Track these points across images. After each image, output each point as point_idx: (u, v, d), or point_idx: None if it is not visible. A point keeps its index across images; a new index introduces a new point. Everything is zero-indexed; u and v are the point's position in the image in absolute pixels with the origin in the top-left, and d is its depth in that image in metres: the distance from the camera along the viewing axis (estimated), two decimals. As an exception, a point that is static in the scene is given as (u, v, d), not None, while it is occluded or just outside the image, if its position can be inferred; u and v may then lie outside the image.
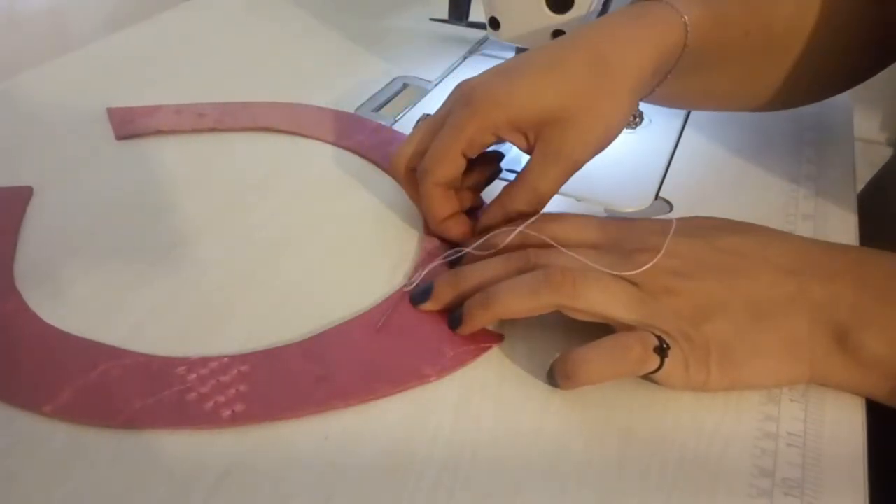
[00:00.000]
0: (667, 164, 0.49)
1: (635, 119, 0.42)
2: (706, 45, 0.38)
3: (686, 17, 0.37)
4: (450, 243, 0.39)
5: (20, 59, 0.60)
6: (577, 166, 0.36)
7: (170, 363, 0.32)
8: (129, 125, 0.49)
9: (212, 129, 0.49)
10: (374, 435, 0.30)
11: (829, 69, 0.44)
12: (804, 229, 0.42)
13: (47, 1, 0.68)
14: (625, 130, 0.42)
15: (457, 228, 0.38)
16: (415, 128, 0.40)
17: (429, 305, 0.35)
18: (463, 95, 0.36)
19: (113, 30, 0.64)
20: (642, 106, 0.51)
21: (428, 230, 0.40)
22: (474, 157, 0.38)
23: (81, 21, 0.72)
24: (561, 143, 0.35)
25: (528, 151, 0.37)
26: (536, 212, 0.37)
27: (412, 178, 0.39)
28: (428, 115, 0.39)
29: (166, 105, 0.51)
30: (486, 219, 0.38)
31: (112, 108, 0.51)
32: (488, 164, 0.41)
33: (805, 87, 0.44)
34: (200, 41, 0.63)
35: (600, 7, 0.49)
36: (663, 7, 0.38)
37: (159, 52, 0.61)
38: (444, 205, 0.38)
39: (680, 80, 0.40)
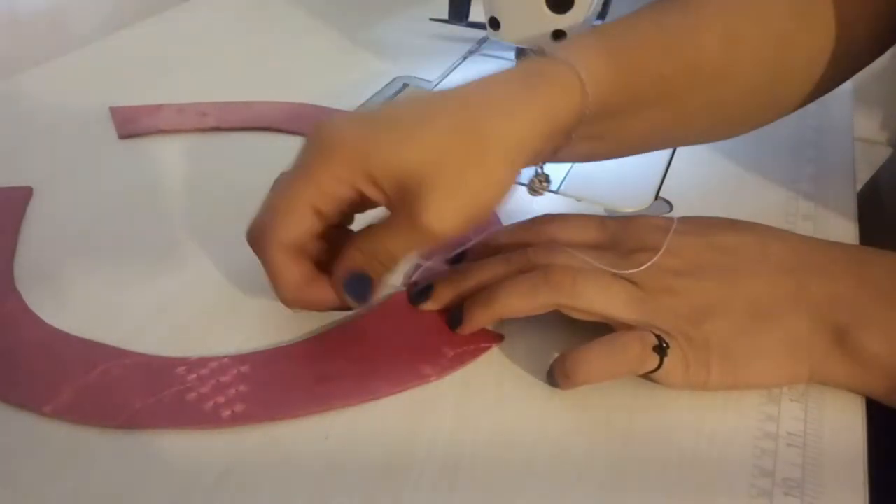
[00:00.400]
0: (667, 164, 0.49)
1: (542, 183, 0.36)
2: (613, 99, 0.33)
3: (583, 75, 0.32)
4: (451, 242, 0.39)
5: (21, 59, 0.60)
6: (435, 240, 0.30)
7: (170, 363, 0.32)
8: (131, 124, 0.49)
9: (214, 129, 0.49)
10: (374, 435, 0.30)
11: (770, 97, 0.39)
12: (804, 229, 0.42)
13: (48, 0, 0.68)
14: (532, 195, 0.36)
15: (318, 297, 0.32)
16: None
17: (429, 305, 0.35)
18: (316, 138, 0.30)
19: (114, 29, 0.64)
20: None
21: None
22: (330, 218, 0.31)
23: (82, 20, 0.72)
24: (418, 209, 0.29)
25: (389, 207, 0.31)
26: (387, 268, 0.32)
27: None
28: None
29: (168, 104, 0.51)
30: (347, 263, 0.32)
31: (115, 108, 0.51)
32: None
33: (739, 118, 0.40)
34: (201, 41, 0.63)
35: (600, 7, 0.49)
36: (557, 66, 0.32)
37: (160, 52, 0.61)
38: (293, 271, 0.31)
39: (587, 138, 0.35)
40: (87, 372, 0.31)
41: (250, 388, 0.31)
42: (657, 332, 0.31)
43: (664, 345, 0.31)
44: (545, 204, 0.44)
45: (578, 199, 0.45)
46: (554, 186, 0.46)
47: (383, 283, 0.32)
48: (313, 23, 0.67)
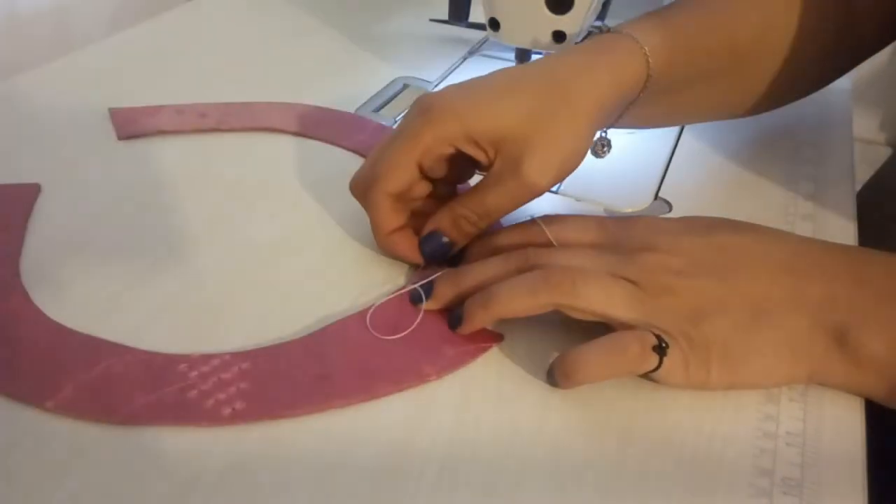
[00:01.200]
0: (666, 164, 0.49)
1: (603, 148, 0.41)
2: (669, 70, 0.39)
3: (647, 48, 0.37)
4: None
5: (23, 59, 0.60)
6: (533, 192, 0.35)
7: (171, 360, 0.32)
8: (131, 125, 0.49)
9: (213, 130, 0.49)
10: (374, 434, 0.30)
11: (796, 76, 0.44)
12: (803, 229, 0.42)
13: (50, 0, 0.68)
14: (595, 157, 0.42)
15: (403, 245, 0.37)
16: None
17: (429, 304, 0.35)
18: (420, 106, 0.35)
19: (115, 29, 0.64)
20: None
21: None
22: (430, 171, 0.36)
23: (84, 21, 0.72)
24: (518, 162, 0.34)
25: (488, 167, 0.35)
26: (479, 228, 0.36)
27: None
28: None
29: (168, 105, 0.51)
30: (432, 223, 0.37)
31: (114, 109, 0.51)
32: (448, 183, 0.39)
33: (773, 94, 0.45)
34: (201, 41, 0.63)
35: (600, 8, 0.49)
36: (623, 38, 0.38)
37: (161, 52, 0.61)
38: (392, 217, 0.36)
39: (646, 105, 0.40)
40: (89, 368, 0.31)
41: (251, 385, 0.31)
42: (657, 332, 0.31)
43: (664, 345, 0.31)
44: (545, 204, 0.44)
45: (578, 200, 0.45)
46: (554, 186, 0.46)
47: (460, 246, 0.37)
48: (313, 23, 0.67)
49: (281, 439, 0.29)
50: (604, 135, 0.41)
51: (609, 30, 0.39)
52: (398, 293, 0.36)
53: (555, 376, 0.32)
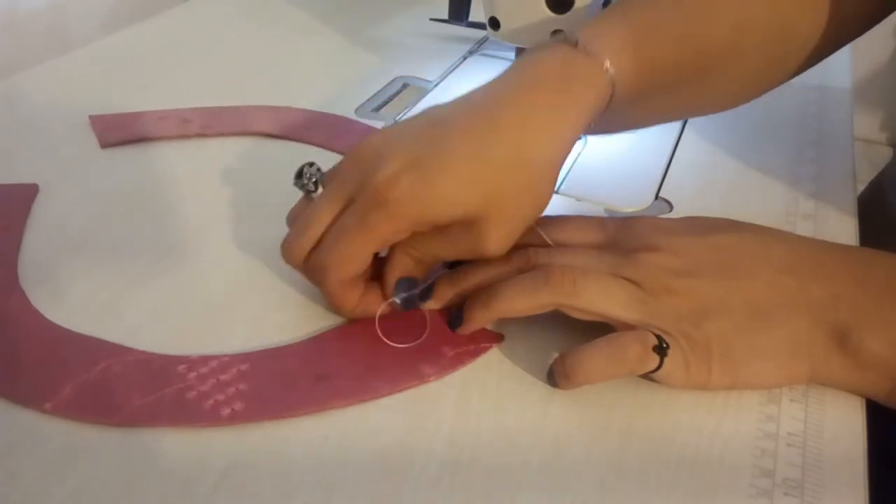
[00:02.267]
0: (667, 163, 0.49)
1: None
2: (634, 87, 0.36)
3: (612, 71, 0.35)
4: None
5: (20, 59, 0.60)
6: (486, 257, 0.33)
7: (170, 361, 0.32)
8: (113, 133, 0.48)
9: (199, 135, 0.49)
10: (374, 434, 0.30)
11: (777, 66, 0.42)
12: (804, 229, 0.42)
13: (47, 1, 0.68)
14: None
15: (372, 306, 0.34)
16: (303, 206, 0.35)
17: (430, 304, 0.35)
18: (376, 198, 0.31)
19: (113, 30, 0.64)
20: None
21: None
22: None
23: (81, 21, 0.72)
24: (481, 240, 0.32)
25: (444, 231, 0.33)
26: (431, 267, 0.35)
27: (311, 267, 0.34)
28: (312, 167, 0.35)
29: (150, 111, 0.51)
30: (395, 271, 0.34)
31: (94, 116, 0.50)
32: None
33: (752, 87, 0.43)
34: (200, 42, 0.63)
35: (599, 7, 0.49)
36: (587, 65, 0.35)
37: (159, 53, 0.61)
38: (351, 295, 0.34)
39: (608, 118, 0.37)
40: (87, 369, 0.31)
41: (250, 386, 0.31)
42: (657, 332, 0.31)
43: (664, 345, 0.30)
44: (545, 204, 0.44)
45: (578, 200, 0.45)
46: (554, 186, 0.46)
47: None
48: (313, 23, 0.67)
49: (280, 440, 0.29)
50: None
51: (569, 41, 0.35)
52: (398, 294, 0.36)
53: (555, 376, 0.32)
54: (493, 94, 0.34)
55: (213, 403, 0.30)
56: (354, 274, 0.33)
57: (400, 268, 0.34)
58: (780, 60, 0.42)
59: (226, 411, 0.30)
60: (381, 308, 0.34)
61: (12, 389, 0.30)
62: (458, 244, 0.33)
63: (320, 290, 0.34)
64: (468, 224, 0.32)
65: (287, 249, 0.34)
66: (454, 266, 0.37)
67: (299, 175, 0.35)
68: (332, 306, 0.34)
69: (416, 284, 0.35)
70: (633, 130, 0.44)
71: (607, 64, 0.35)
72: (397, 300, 0.34)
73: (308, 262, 0.33)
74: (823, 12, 0.40)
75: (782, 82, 0.44)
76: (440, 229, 0.33)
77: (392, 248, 0.34)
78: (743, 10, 0.39)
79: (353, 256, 0.32)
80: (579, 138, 0.37)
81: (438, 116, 0.34)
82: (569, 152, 0.34)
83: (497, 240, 0.32)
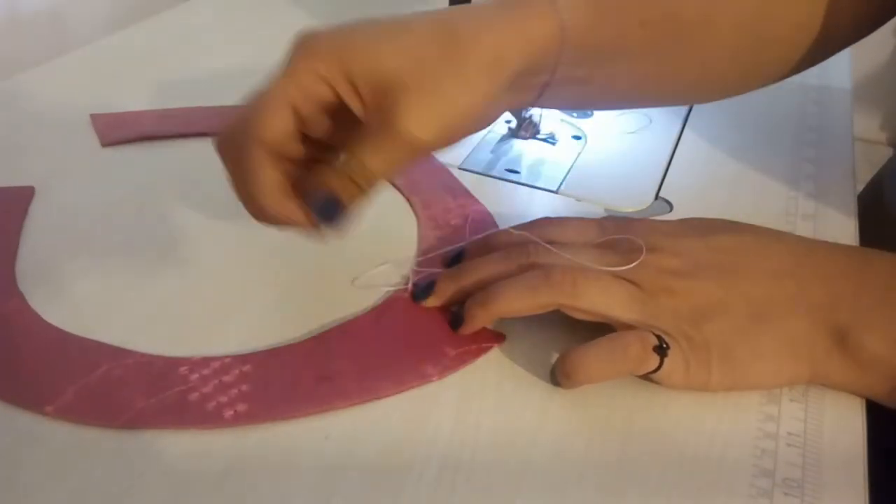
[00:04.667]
0: (667, 164, 0.49)
1: (529, 129, 0.37)
2: (592, 37, 0.33)
3: (564, 14, 0.32)
4: (448, 243, 0.39)
5: (21, 59, 0.60)
6: (415, 150, 0.30)
7: (172, 363, 0.32)
8: (114, 132, 0.48)
9: (200, 134, 0.49)
10: (375, 434, 0.30)
11: (754, 61, 0.40)
12: (804, 229, 0.42)
13: (48, 1, 0.68)
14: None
15: (292, 206, 0.31)
16: None
17: (430, 301, 0.35)
18: (296, 42, 0.31)
19: (113, 29, 0.64)
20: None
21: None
22: (308, 122, 0.31)
23: (82, 20, 0.72)
24: (397, 115, 0.29)
25: (365, 117, 0.31)
26: (364, 191, 0.31)
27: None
28: None
29: (150, 110, 0.51)
30: (316, 182, 0.31)
31: (95, 115, 0.50)
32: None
33: (725, 80, 0.40)
34: (201, 41, 0.63)
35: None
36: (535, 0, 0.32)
37: (160, 52, 0.61)
38: (274, 172, 0.30)
39: (573, 81, 0.35)
40: (88, 372, 0.31)
41: (252, 387, 0.31)
42: (658, 333, 0.31)
43: (664, 345, 0.31)
44: (545, 204, 0.44)
45: (578, 200, 0.45)
46: (554, 186, 0.46)
47: (357, 210, 0.31)
48: (313, 23, 0.67)
49: (281, 440, 0.29)
50: (527, 115, 0.37)
51: None
52: (398, 293, 0.36)
53: (556, 376, 0.32)
54: (442, 8, 0.33)
55: (216, 405, 0.30)
56: (276, 132, 0.30)
57: (320, 178, 0.31)
58: (766, 46, 0.39)
59: (228, 413, 0.30)
60: (377, 304, 0.34)
61: (13, 393, 0.30)
62: (379, 135, 0.30)
63: (243, 176, 0.31)
64: (387, 100, 0.29)
65: (217, 139, 0.32)
66: (454, 266, 0.37)
67: None
68: (251, 186, 0.31)
69: (338, 206, 0.31)
70: (612, 106, 0.41)
71: (559, 5, 0.32)
72: (316, 217, 0.31)
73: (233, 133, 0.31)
74: (811, 7, 0.38)
75: (775, 77, 0.42)
76: (363, 132, 0.30)
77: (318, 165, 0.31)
78: None
79: (271, 105, 0.30)
80: (540, 88, 0.34)
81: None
82: (512, 62, 0.31)
83: (416, 116, 0.29)
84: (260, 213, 0.32)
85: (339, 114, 0.31)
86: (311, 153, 0.32)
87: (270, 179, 0.30)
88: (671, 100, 0.43)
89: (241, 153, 0.30)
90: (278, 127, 0.30)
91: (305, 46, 0.30)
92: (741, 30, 0.37)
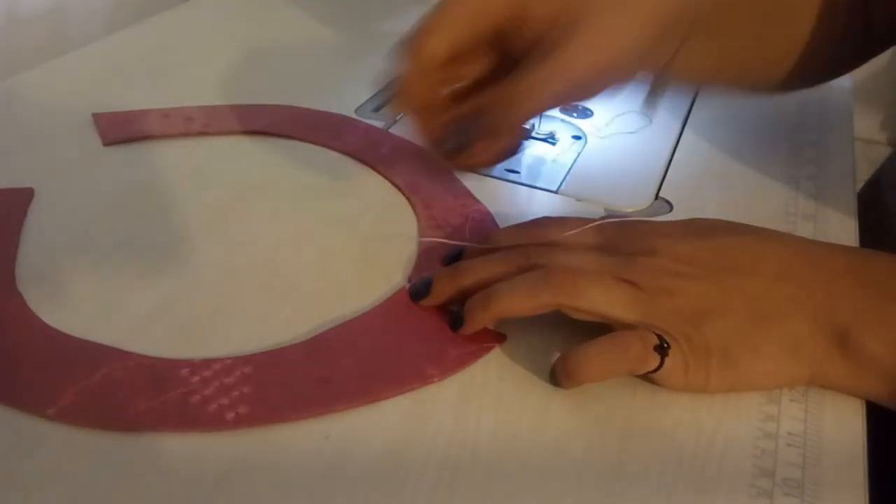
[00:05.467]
0: (667, 164, 0.49)
1: (652, 107, 0.41)
2: (718, 6, 0.37)
3: None
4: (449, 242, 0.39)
5: (21, 59, 0.60)
6: (571, 79, 0.33)
7: (173, 365, 0.32)
8: (116, 130, 0.48)
9: (201, 133, 0.49)
10: (375, 435, 0.30)
11: (831, 46, 0.42)
12: (804, 229, 0.42)
13: (48, 1, 0.68)
14: (635, 122, 0.41)
15: (431, 125, 0.34)
16: None
17: (428, 301, 0.35)
18: None
19: (114, 30, 0.64)
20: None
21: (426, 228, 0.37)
22: (480, 38, 0.34)
23: (82, 21, 0.72)
24: (565, 42, 0.32)
25: (531, 47, 0.33)
26: (517, 121, 0.34)
27: None
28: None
29: (154, 109, 0.51)
30: (457, 113, 0.34)
31: (98, 114, 0.50)
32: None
33: (809, 61, 0.43)
34: (201, 41, 0.63)
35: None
36: None
37: (160, 52, 0.61)
38: (424, 89, 0.34)
39: (694, 51, 0.38)
40: (89, 374, 0.31)
41: (254, 389, 0.31)
42: (658, 333, 0.31)
43: (665, 345, 0.31)
44: (544, 204, 0.44)
45: (578, 200, 0.45)
46: (554, 186, 0.46)
47: (494, 141, 0.35)
48: (313, 23, 0.67)
49: (281, 441, 0.29)
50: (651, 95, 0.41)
51: None
52: (398, 293, 0.36)
53: (556, 375, 0.32)
54: None
55: (217, 407, 0.30)
56: (442, 49, 0.33)
57: (477, 100, 0.34)
58: (820, 47, 0.42)
59: (230, 415, 0.30)
60: (377, 304, 0.34)
61: (13, 395, 0.30)
62: (544, 55, 0.32)
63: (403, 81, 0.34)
64: (556, 31, 0.32)
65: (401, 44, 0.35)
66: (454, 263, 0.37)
67: None
68: (402, 93, 0.34)
69: (483, 124, 0.34)
70: (722, 84, 0.45)
71: None
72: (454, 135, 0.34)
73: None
74: (854, 14, 0.41)
75: (812, 78, 0.45)
76: (530, 55, 0.33)
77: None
78: None
79: (441, 22, 0.33)
80: (671, 51, 0.37)
81: None
82: (667, 17, 0.34)
83: (582, 46, 0.32)
84: (412, 111, 0.35)
85: (506, 39, 0.34)
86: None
87: (422, 93, 0.34)
88: (765, 80, 0.45)
89: (406, 56, 0.34)
90: (454, 34, 0.33)
91: None
92: (821, 13, 0.40)
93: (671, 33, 0.36)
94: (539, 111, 0.34)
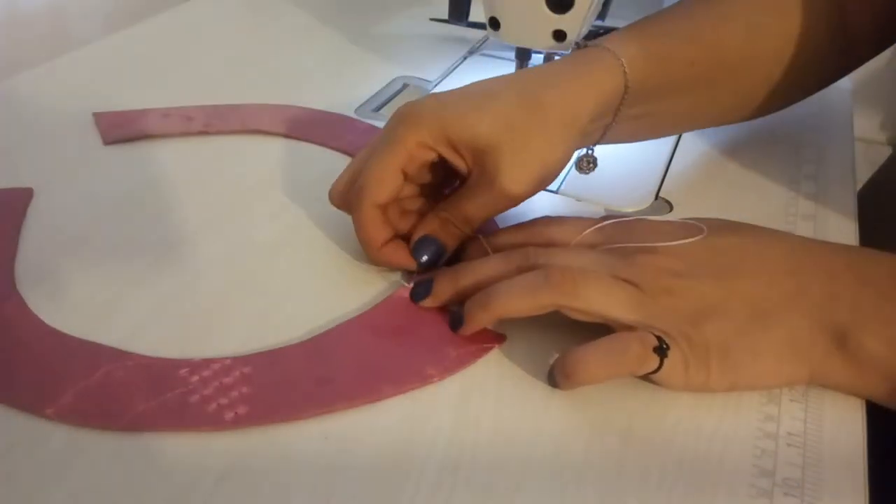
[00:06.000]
0: (667, 164, 0.49)
1: (589, 165, 0.41)
2: (649, 81, 0.38)
3: (623, 59, 0.37)
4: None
5: (21, 59, 0.60)
6: (511, 202, 0.36)
7: (172, 365, 0.32)
8: (116, 130, 0.48)
9: (201, 133, 0.49)
10: (374, 435, 0.30)
11: (789, 82, 0.43)
12: (804, 229, 0.42)
13: (48, 1, 0.68)
14: (579, 174, 0.42)
15: (396, 255, 0.37)
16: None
17: (428, 301, 0.35)
18: (400, 115, 0.36)
19: (113, 29, 0.64)
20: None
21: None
22: (414, 179, 0.37)
23: (82, 21, 0.72)
24: (495, 173, 0.34)
25: (466, 175, 0.36)
26: (464, 233, 0.37)
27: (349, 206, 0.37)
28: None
29: (154, 108, 0.51)
30: (422, 228, 0.37)
31: (98, 113, 0.50)
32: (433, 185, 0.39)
33: (766, 101, 0.44)
34: (201, 41, 0.63)
35: (600, 7, 0.49)
36: (600, 51, 0.38)
37: (160, 52, 0.61)
38: (382, 229, 0.36)
39: (630, 119, 0.40)
40: (88, 374, 0.31)
41: (253, 389, 0.31)
42: (657, 334, 0.31)
43: (664, 346, 0.31)
44: (545, 204, 0.44)
45: (578, 200, 0.45)
46: (554, 186, 0.46)
47: (451, 249, 0.37)
48: (313, 23, 0.67)
49: (280, 441, 0.29)
50: (589, 152, 0.42)
51: (586, 45, 0.39)
52: (398, 293, 0.36)
53: (555, 377, 0.32)
54: (515, 72, 0.39)
55: (217, 407, 0.30)
56: (387, 194, 0.35)
57: (427, 226, 0.37)
58: (797, 70, 0.42)
59: (229, 415, 0.30)
60: (375, 304, 0.34)
61: (12, 395, 0.30)
62: (479, 190, 0.35)
63: (355, 226, 0.36)
64: (486, 160, 0.34)
65: (332, 189, 0.38)
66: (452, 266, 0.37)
67: None
68: (362, 238, 0.36)
69: (440, 247, 0.37)
70: (666, 135, 0.46)
71: (616, 52, 0.38)
72: (417, 258, 0.36)
73: (348, 193, 0.37)
74: (838, 30, 0.42)
75: (805, 95, 0.46)
76: (465, 186, 0.36)
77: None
78: (752, 17, 0.41)
79: (383, 172, 0.35)
80: (602, 120, 0.39)
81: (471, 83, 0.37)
82: (585, 119, 0.36)
83: (513, 178, 0.34)
84: (372, 257, 0.37)
85: (440, 166, 0.36)
86: (420, 192, 0.38)
87: (378, 237, 0.36)
88: (706, 125, 0.47)
89: (355, 213, 0.36)
90: (389, 189, 0.35)
91: (409, 119, 0.35)
92: (778, 59, 0.42)
93: (594, 126, 0.39)
94: (479, 223, 0.37)
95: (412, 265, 0.37)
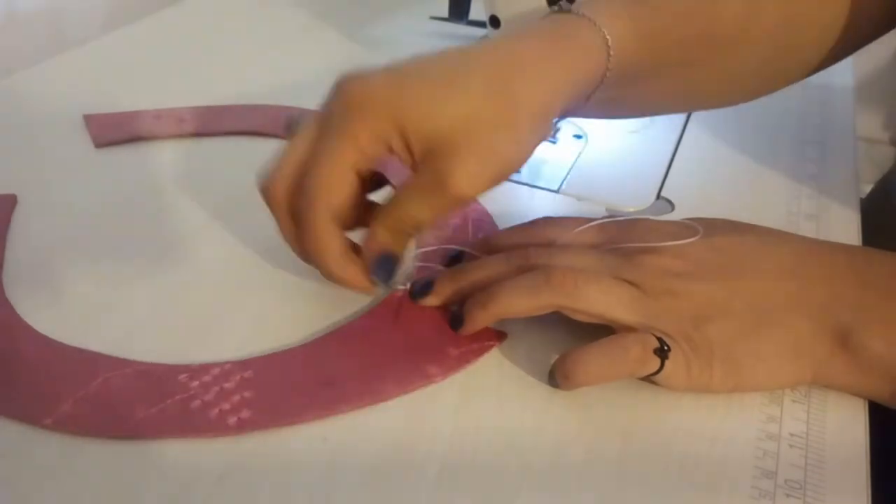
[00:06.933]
0: (668, 163, 0.48)
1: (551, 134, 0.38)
2: (635, 61, 0.34)
3: (609, 37, 0.33)
4: (448, 243, 0.39)
5: (18, 59, 0.60)
6: (461, 203, 0.31)
7: (171, 370, 0.31)
8: (107, 132, 0.48)
9: (194, 134, 0.49)
10: (374, 435, 0.30)
11: (788, 62, 0.41)
12: (806, 229, 0.42)
13: (46, 1, 0.68)
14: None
15: (354, 271, 0.33)
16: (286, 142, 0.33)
17: (429, 300, 0.35)
18: (346, 96, 0.30)
19: (110, 29, 0.63)
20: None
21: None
22: (365, 175, 0.32)
23: (79, 21, 0.72)
24: (447, 174, 0.30)
25: (412, 168, 0.32)
26: (412, 236, 0.33)
27: (293, 208, 0.32)
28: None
29: (146, 110, 0.51)
30: (374, 244, 0.32)
31: (89, 115, 0.50)
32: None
33: (760, 82, 0.42)
34: (197, 41, 0.63)
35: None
36: (584, 25, 0.33)
37: (155, 52, 0.60)
38: (337, 241, 0.32)
39: (609, 94, 0.35)
40: (86, 383, 0.30)
41: (255, 394, 0.31)
42: (658, 335, 0.31)
43: (665, 347, 0.30)
44: (545, 204, 0.44)
45: (579, 199, 0.45)
46: (555, 186, 0.46)
47: (405, 259, 0.33)
48: (313, 22, 0.67)
49: (279, 443, 0.29)
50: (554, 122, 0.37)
51: (569, 8, 0.34)
52: (398, 293, 0.36)
53: (555, 377, 0.32)
54: (485, 43, 0.33)
55: (219, 412, 0.30)
56: (342, 200, 0.31)
57: (377, 240, 0.32)
58: (793, 51, 0.40)
59: (232, 420, 0.29)
60: (374, 305, 0.34)
61: (9, 406, 0.30)
62: (428, 189, 0.30)
63: (305, 238, 0.32)
64: (438, 156, 0.30)
65: (263, 186, 0.32)
66: (454, 264, 0.37)
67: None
68: (316, 255, 0.32)
69: (394, 262, 0.33)
70: (640, 116, 0.43)
71: (602, 27, 0.33)
72: (376, 277, 0.33)
73: (293, 199, 0.32)
74: (841, 8, 0.39)
75: (797, 78, 0.43)
76: (412, 182, 0.31)
77: (371, 224, 0.33)
78: None
79: (335, 173, 0.30)
80: (575, 103, 0.34)
81: (430, 55, 0.32)
82: (558, 109, 0.32)
83: (466, 175, 0.29)
84: (331, 275, 0.33)
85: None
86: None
87: (338, 247, 0.32)
88: (695, 108, 0.45)
89: (305, 216, 0.31)
90: (345, 193, 0.31)
91: (357, 105, 0.30)
92: (771, 39, 0.39)
93: (566, 109, 0.34)
94: (427, 226, 0.32)
95: (368, 287, 0.33)
